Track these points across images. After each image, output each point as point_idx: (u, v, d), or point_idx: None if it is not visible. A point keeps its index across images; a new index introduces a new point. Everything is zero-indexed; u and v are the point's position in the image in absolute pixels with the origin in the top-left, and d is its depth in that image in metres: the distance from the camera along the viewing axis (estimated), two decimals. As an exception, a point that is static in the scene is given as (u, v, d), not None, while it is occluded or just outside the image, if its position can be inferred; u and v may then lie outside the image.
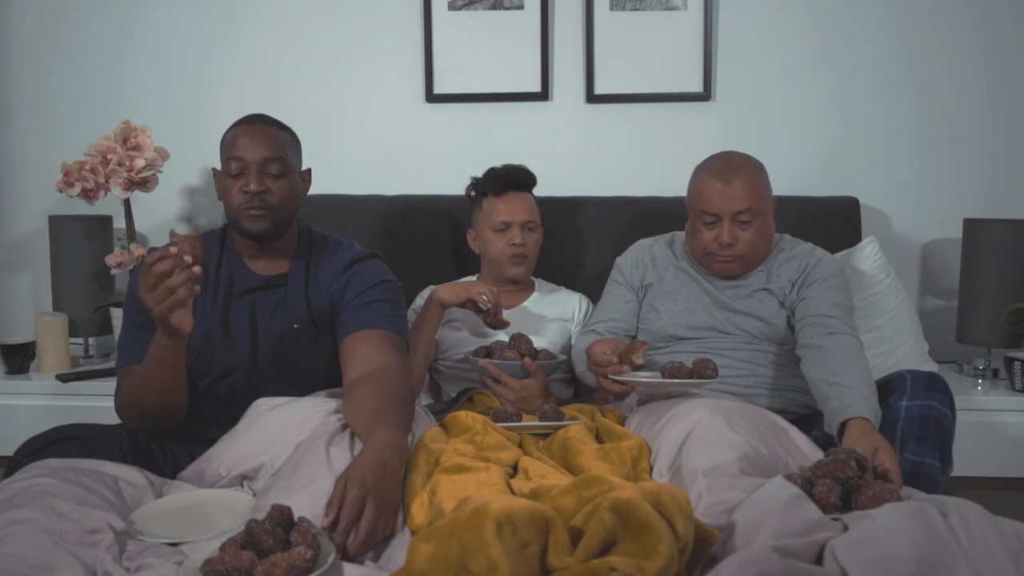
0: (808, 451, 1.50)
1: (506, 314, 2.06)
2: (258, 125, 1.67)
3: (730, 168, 1.85)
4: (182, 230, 1.45)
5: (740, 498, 1.25)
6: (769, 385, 1.85)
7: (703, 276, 1.96)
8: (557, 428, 1.62)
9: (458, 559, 1.02)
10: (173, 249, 1.37)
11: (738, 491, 1.28)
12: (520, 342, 1.95)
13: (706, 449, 1.41)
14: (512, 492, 1.33)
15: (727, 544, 1.14)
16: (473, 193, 2.17)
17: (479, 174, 2.16)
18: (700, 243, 1.89)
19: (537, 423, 1.66)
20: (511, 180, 2.11)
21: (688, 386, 1.67)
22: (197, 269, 1.38)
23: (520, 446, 1.59)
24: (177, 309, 1.39)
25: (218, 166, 1.70)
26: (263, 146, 1.64)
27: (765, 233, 1.89)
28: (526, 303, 2.16)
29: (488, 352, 1.96)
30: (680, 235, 2.08)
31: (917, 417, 1.57)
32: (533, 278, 2.25)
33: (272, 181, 1.64)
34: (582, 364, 1.89)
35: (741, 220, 1.83)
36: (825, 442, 1.64)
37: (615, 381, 1.70)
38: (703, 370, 1.66)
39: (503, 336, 2.03)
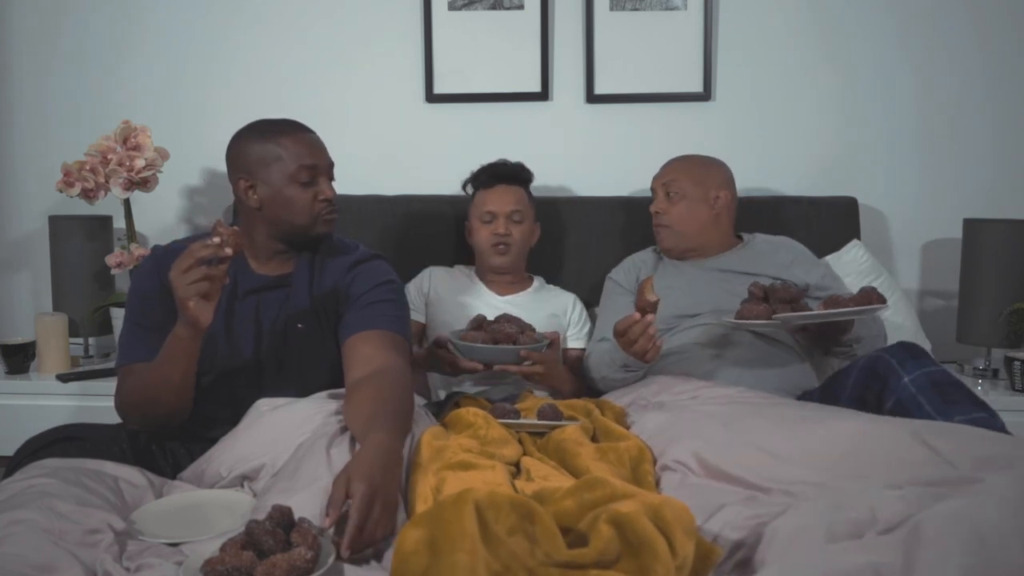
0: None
1: (504, 302, 2.12)
2: (311, 133, 1.72)
3: (677, 157, 2.16)
4: (224, 221, 1.46)
5: (778, 511, 1.22)
6: (770, 359, 1.92)
7: (694, 266, 2.08)
8: (555, 427, 1.62)
9: (442, 540, 1.02)
10: (216, 240, 1.41)
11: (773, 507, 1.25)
12: (511, 322, 1.94)
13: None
14: (516, 492, 1.32)
15: (760, 550, 1.11)
16: (469, 187, 2.22)
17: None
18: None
19: (536, 421, 1.66)
20: (500, 174, 2.16)
21: (857, 314, 1.72)
22: (229, 251, 1.42)
23: (519, 443, 1.59)
24: (198, 299, 1.41)
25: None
26: (326, 152, 1.72)
27: (694, 216, 2.08)
28: (523, 293, 2.19)
29: (489, 336, 1.91)
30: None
31: (929, 386, 1.56)
32: (532, 275, 2.25)
33: (333, 185, 1.72)
34: (605, 368, 1.93)
35: (669, 192, 2.09)
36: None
37: (787, 322, 1.74)
38: (870, 296, 1.71)
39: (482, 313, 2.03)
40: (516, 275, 2.21)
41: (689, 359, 1.93)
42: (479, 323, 1.95)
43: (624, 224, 2.39)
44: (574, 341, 2.18)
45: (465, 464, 1.34)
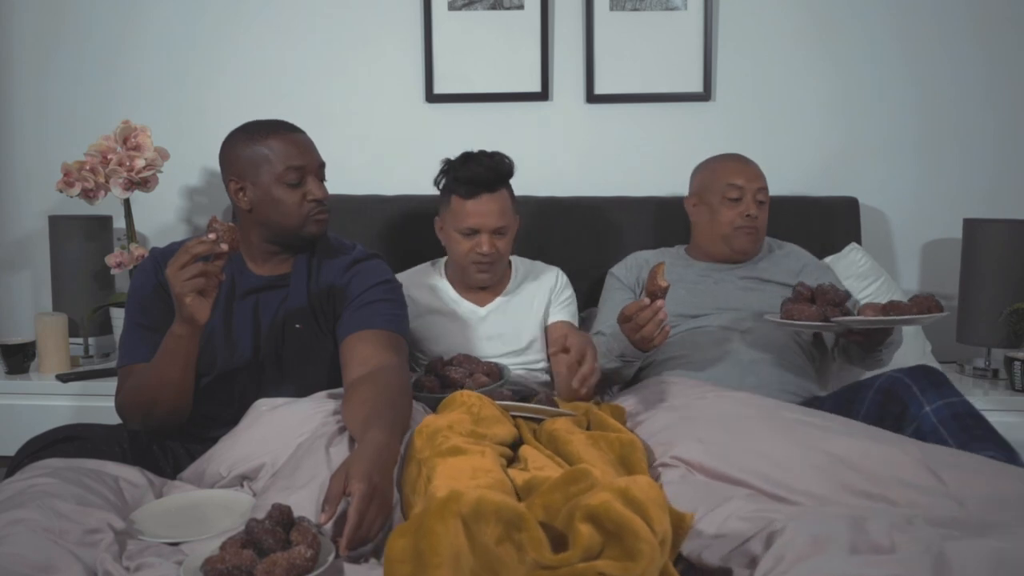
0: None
1: (487, 312, 2.02)
2: (300, 133, 1.70)
3: (742, 156, 2.09)
4: (219, 218, 1.47)
5: (789, 512, 1.22)
6: (773, 361, 1.90)
7: (701, 269, 2.06)
8: (549, 413, 1.62)
9: (427, 552, 1.02)
10: (212, 236, 1.41)
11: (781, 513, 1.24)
12: (462, 365, 1.85)
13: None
14: (509, 479, 1.33)
15: (778, 548, 1.11)
16: (442, 182, 2.01)
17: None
18: (723, 222, 2.03)
19: (527, 404, 1.66)
20: (481, 182, 1.92)
21: (917, 322, 1.69)
22: (224, 247, 1.42)
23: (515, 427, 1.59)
24: (195, 295, 1.41)
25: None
26: (315, 152, 1.71)
27: (766, 223, 2.07)
28: (504, 296, 2.06)
29: (438, 383, 1.82)
30: (670, 249, 2.19)
31: (951, 419, 1.52)
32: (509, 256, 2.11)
33: (324, 184, 1.71)
34: (601, 357, 1.85)
35: (759, 200, 2.02)
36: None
37: (837, 323, 1.69)
38: (930, 304, 1.67)
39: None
40: (488, 286, 2.05)
41: (690, 360, 1.92)
42: (432, 367, 1.87)
43: (624, 224, 2.39)
44: (557, 314, 2.05)
45: (455, 450, 1.34)
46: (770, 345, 1.93)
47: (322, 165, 1.71)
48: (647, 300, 1.65)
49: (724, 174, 2.04)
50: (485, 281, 2.02)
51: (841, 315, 1.72)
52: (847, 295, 1.78)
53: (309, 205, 1.67)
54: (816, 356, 2.03)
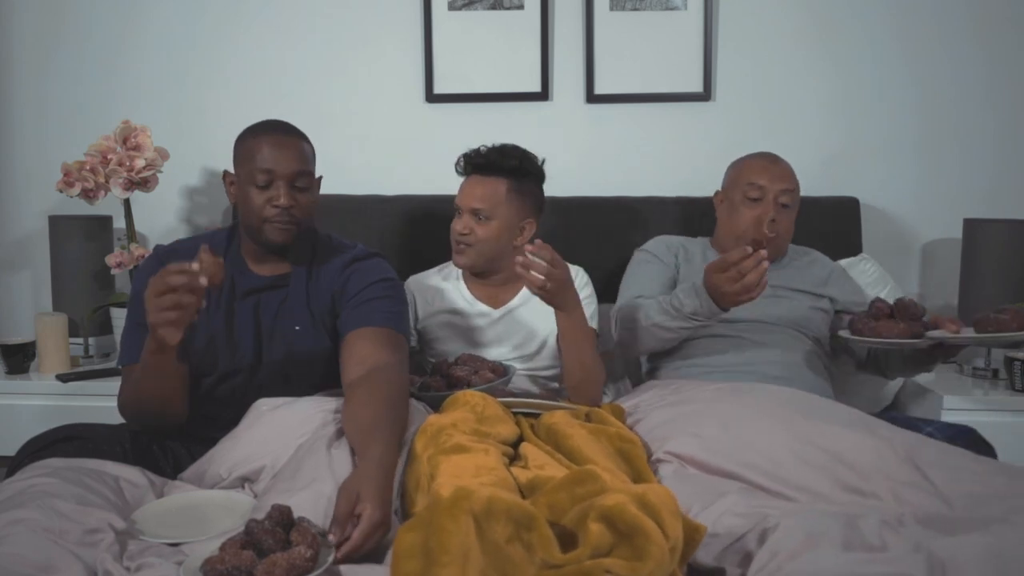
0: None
1: (500, 315, 2.01)
2: (287, 137, 1.66)
3: (773, 155, 2.03)
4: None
5: (783, 508, 1.22)
6: (799, 375, 1.87)
7: None
8: (547, 407, 1.62)
9: (437, 549, 1.02)
10: (195, 266, 1.33)
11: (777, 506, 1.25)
12: (468, 364, 1.85)
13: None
14: (512, 477, 1.33)
15: (772, 544, 1.11)
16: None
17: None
18: (742, 224, 1.97)
19: (527, 400, 1.66)
20: (474, 164, 1.99)
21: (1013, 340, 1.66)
22: (204, 281, 1.33)
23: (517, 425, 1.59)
24: (168, 325, 1.34)
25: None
26: (293, 160, 1.64)
27: (792, 228, 2.01)
28: (518, 298, 2.03)
29: (445, 382, 1.81)
30: (694, 240, 2.14)
31: None
32: None
33: (298, 194, 1.65)
34: (659, 315, 1.80)
35: (783, 202, 1.95)
36: None
37: (936, 339, 1.68)
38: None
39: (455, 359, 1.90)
40: (505, 273, 2.01)
41: (708, 366, 1.89)
42: (438, 368, 1.86)
43: (623, 224, 2.39)
44: None
45: (458, 447, 1.34)
46: (794, 354, 1.90)
47: (299, 174, 1.64)
48: (749, 249, 1.59)
49: (749, 172, 1.98)
50: (461, 264, 2.00)
51: (922, 329, 1.71)
52: (924, 309, 1.76)
53: (272, 211, 1.63)
54: (830, 365, 2.02)
